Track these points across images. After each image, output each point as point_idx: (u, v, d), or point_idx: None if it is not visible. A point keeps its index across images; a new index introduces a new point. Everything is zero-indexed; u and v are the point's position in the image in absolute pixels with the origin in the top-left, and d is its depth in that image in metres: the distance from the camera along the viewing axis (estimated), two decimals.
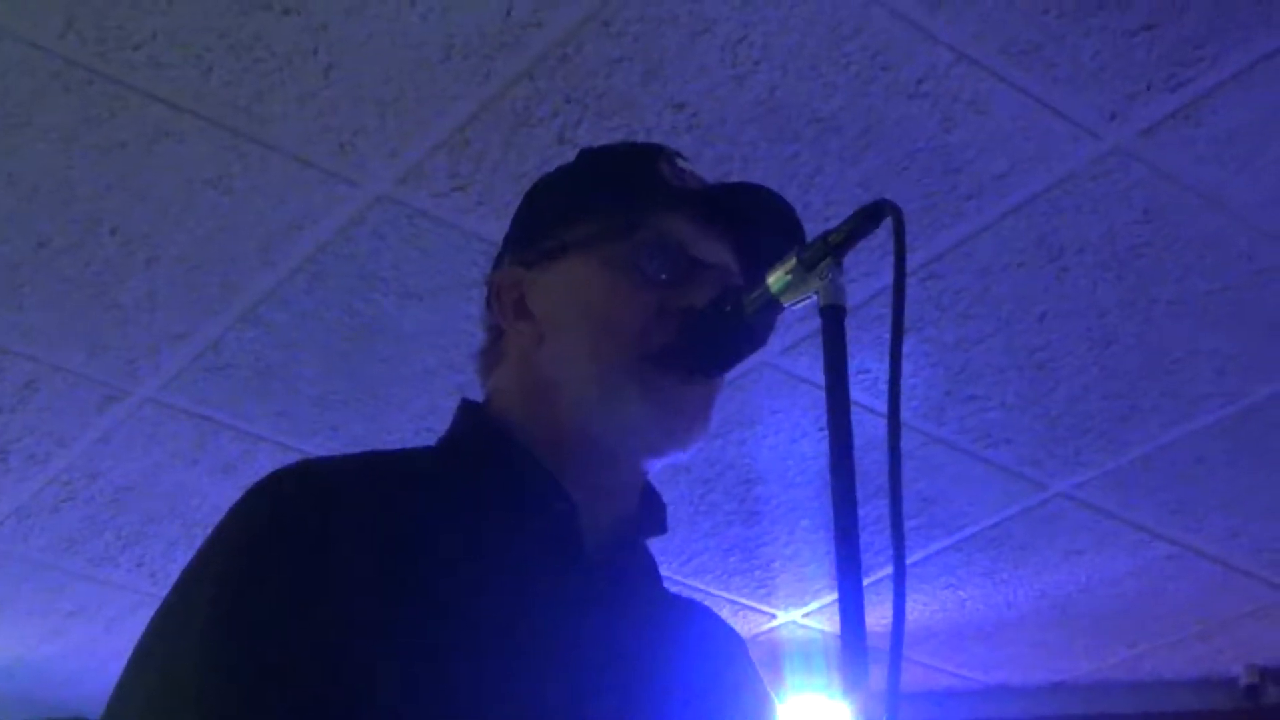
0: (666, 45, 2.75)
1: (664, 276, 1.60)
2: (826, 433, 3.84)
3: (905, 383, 3.59)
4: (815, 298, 1.51)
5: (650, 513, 1.66)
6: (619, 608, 1.58)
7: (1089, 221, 3.13)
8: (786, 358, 3.51)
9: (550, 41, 2.74)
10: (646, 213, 1.63)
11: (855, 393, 3.56)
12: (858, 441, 3.96)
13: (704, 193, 1.68)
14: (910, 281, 3.28)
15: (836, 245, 1.50)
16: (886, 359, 3.49)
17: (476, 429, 1.64)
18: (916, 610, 4.53)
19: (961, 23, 2.70)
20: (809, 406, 3.68)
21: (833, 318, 1.49)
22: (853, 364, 3.52)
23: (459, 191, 3.05)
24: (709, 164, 2.95)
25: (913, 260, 3.22)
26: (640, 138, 2.90)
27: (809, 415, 3.71)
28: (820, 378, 3.52)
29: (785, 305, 1.54)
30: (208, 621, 1.39)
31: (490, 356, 1.69)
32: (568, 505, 1.57)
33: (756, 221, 1.66)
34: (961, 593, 4.47)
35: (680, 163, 1.71)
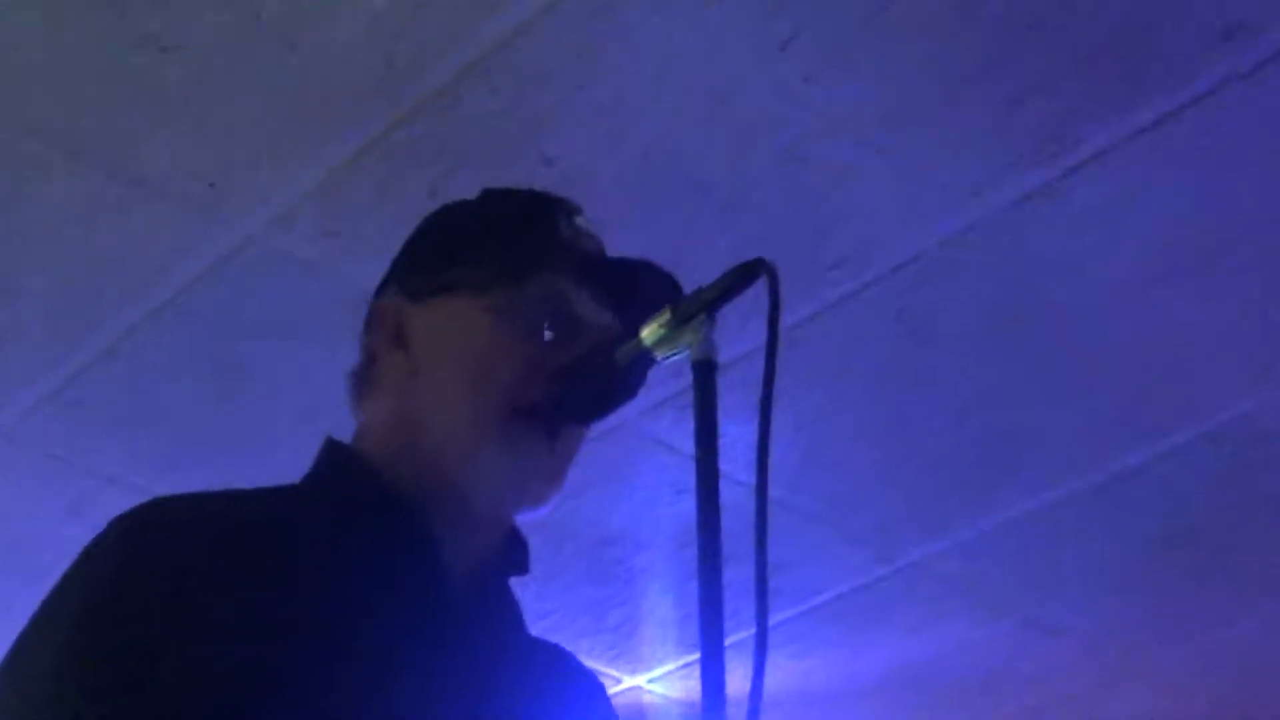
0: (543, 101, 2.78)
1: (547, 333, 1.62)
2: (682, 496, 3.90)
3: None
4: (687, 352, 1.54)
5: (511, 553, 1.67)
6: (481, 645, 1.58)
7: (952, 292, 3.19)
8: (646, 419, 3.53)
9: (430, 91, 2.76)
10: (539, 267, 1.64)
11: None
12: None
13: (597, 260, 1.70)
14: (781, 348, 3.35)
15: (710, 301, 1.53)
16: (745, 424, 3.53)
17: (341, 465, 1.64)
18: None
19: (838, 93, 2.76)
20: (666, 469, 3.70)
21: (704, 372, 1.52)
22: (719, 425, 3.57)
23: (328, 238, 3.05)
24: None
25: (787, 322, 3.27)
26: None
27: (665, 477, 3.73)
28: (679, 442, 3.58)
29: (658, 358, 1.57)
30: (60, 666, 1.36)
31: (362, 380, 1.68)
32: (430, 541, 1.57)
33: (644, 295, 1.65)
34: (808, 662, 4.50)
35: (579, 220, 1.73)
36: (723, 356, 3.43)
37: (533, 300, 1.62)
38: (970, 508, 3.83)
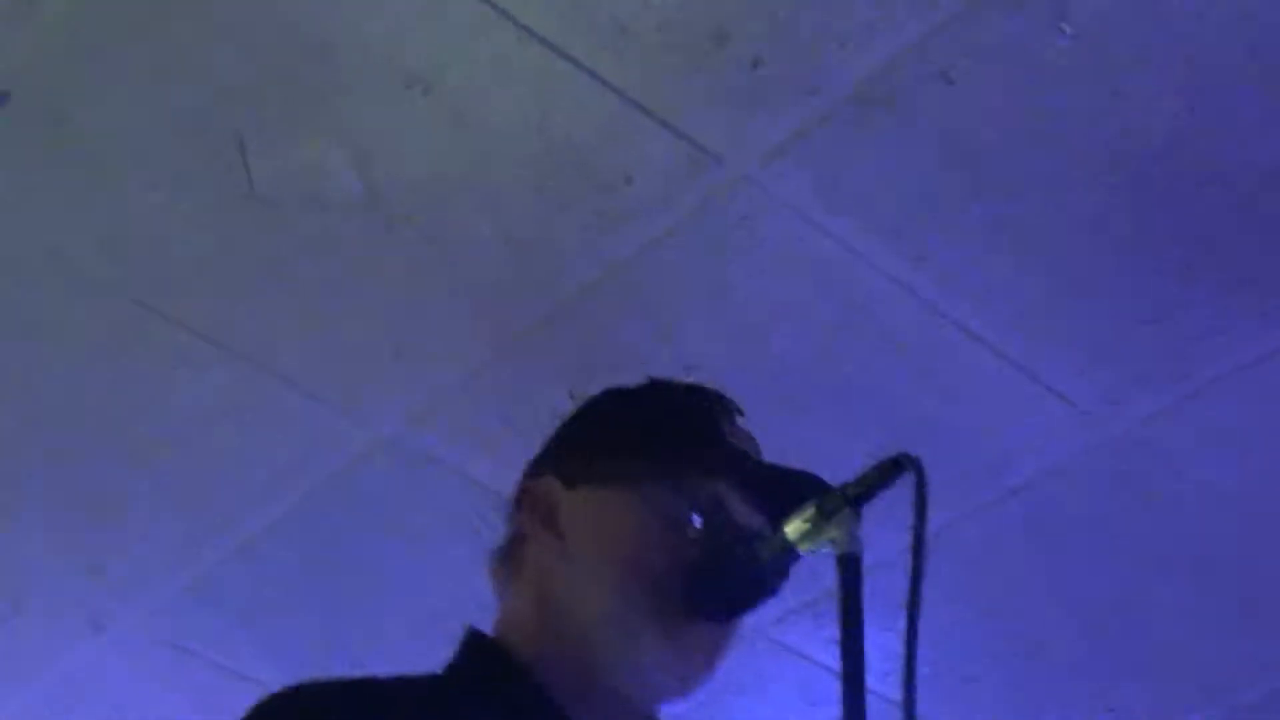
0: (681, 307, 2.83)
1: (697, 522, 1.62)
2: (815, 707, 3.85)
3: (895, 660, 3.58)
4: (831, 548, 1.55)
5: None
6: None
7: (1082, 505, 3.17)
8: (777, 628, 3.52)
9: (567, 296, 2.82)
10: (699, 468, 1.65)
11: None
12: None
13: (755, 466, 1.71)
14: (905, 556, 3.33)
15: (855, 496, 1.55)
16: (882, 633, 3.50)
17: (482, 655, 1.64)
18: None
19: (969, 302, 2.78)
20: (798, 678, 3.67)
21: (850, 567, 1.53)
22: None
23: (465, 435, 3.10)
24: None
25: (904, 537, 3.25)
26: None
27: (798, 688, 3.70)
28: (812, 650, 3.55)
29: (801, 553, 1.58)
30: None
31: (506, 560, 1.70)
32: None
33: (797, 503, 1.66)
34: None
35: (740, 421, 1.76)
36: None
37: (692, 501, 1.63)
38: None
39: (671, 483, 1.64)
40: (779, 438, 3.00)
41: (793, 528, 1.56)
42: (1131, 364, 2.88)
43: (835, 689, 3.76)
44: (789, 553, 1.58)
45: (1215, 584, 3.33)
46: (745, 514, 1.66)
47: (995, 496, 3.16)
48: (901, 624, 3.56)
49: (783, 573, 1.64)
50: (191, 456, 3.18)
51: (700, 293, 2.80)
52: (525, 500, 1.70)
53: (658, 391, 1.82)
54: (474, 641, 1.67)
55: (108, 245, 2.78)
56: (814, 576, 3.43)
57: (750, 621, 3.52)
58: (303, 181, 2.65)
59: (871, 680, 3.61)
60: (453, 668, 1.65)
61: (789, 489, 1.67)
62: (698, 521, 1.63)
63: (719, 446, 1.70)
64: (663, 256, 2.74)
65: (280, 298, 2.86)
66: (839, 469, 3.07)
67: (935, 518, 3.11)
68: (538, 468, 1.74)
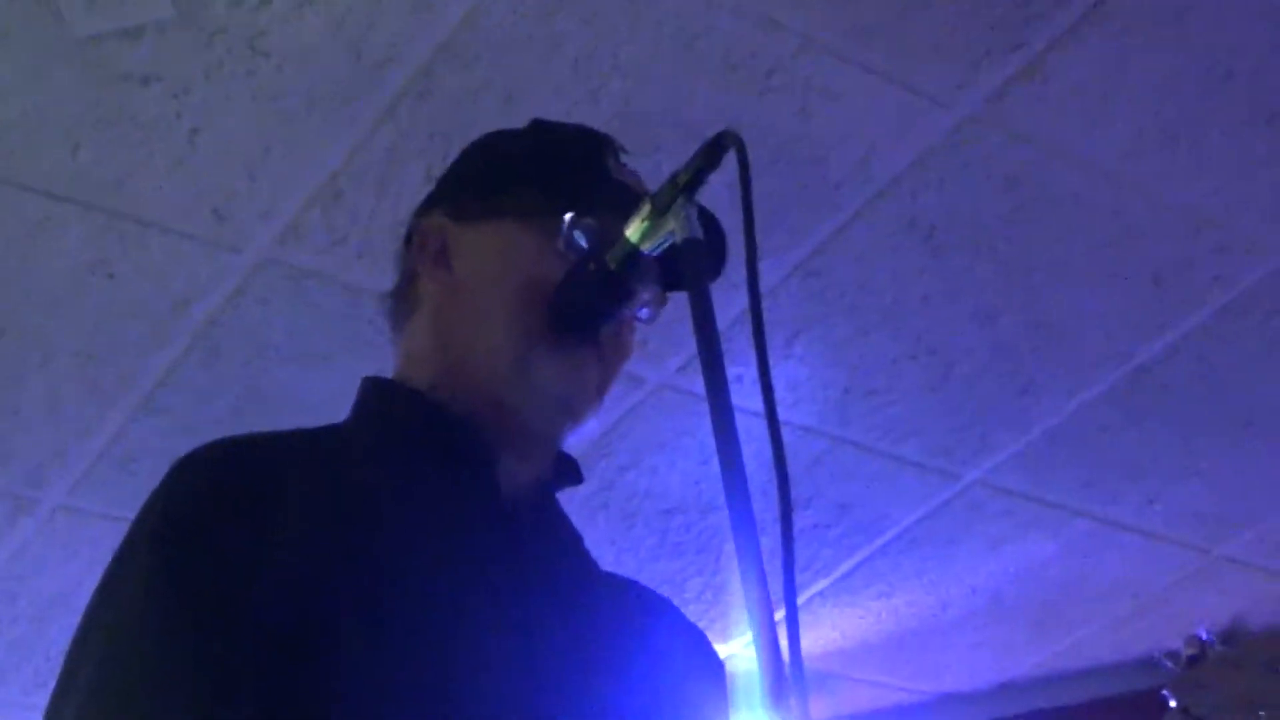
0: (519, 68, 2.82)
1: (587, 259, 1.63)
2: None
3: (802, 388, 3.64)
4: (673, 238, 1.56)
5: (562, 469, 1.70)
6: (543, 559, 1.61)
7: (955, 195, 3.20)
8: (684, 376, 3.56)
9: (405, 79, 2.80)
10: (589, 198, 1.67)
11: (755, 401, 3.62)
12: (765, 452, 3.97)
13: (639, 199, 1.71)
14: (790, 281, 3.37)
15: (686, 183, 1.56)
16: (782, 365, 3.55)
17: (386, 395, 1.67)
18: (853, 624, 4.56)
19: (802, 9, 2.78)
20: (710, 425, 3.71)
21: (692, 249, 1.53)
22: (748, 371, 3.58)
23: (338, 245, 3.09)
24: None
25: (790, 258, 3.30)
26: None
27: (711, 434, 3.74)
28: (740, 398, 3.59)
29: (646, 251, 1.58)
30: (147, 591, 1.42)
31: (401, 300, 1.72)
32: (486, 458, 1.60)
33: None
34: (895, 600, 4.50)
35: (623, 157, 1.78)
36: (746, 298, 3.46)
37: (583, 229, 1.65)
38: (1018, 415, 3.82)
39: (560, 212, 1.65)
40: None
41: (633, 229, 1.57)
42: (967, 46, 2.89)
43: (751, 428, 3.85)
44: (635, 254, 1.58)
45: (1099, 249, 3.38)
46: None
47: (870, 196, 3.18)
48: (798, 348, 3.64)
49: (637, 278, 1.65)
50: (71, 321, 3.17)
51: (533, 51, 2.78)
52: (416, 238, 1.71)
53: (542, 129, 1.83)
54: (374, 386, 1.69)
55: None
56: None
57: (653, 377, 3.60)
58: (116, 10, 2.60)
59: (782, 410, 3.70)
60: (358, 412, 1.67)
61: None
62: (586, 250, 1.64)
63: (607, 181, 1.72)
64: (488, 22, 2.72)
65: (123, 139, 2.83)
66: (710, 205, 3.11)
67: (822, 226, 3.19)
68: (428, 206, 1.76)
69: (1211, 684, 1.74)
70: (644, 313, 1.69)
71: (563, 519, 1.71)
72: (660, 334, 3.41)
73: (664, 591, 4.27)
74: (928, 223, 3.26)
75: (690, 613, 4.30)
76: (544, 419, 1.64)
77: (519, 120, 2.86)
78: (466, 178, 1.77)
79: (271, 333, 3.26)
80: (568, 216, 1.65)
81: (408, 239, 1.74)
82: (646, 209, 1.55)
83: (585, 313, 1.63)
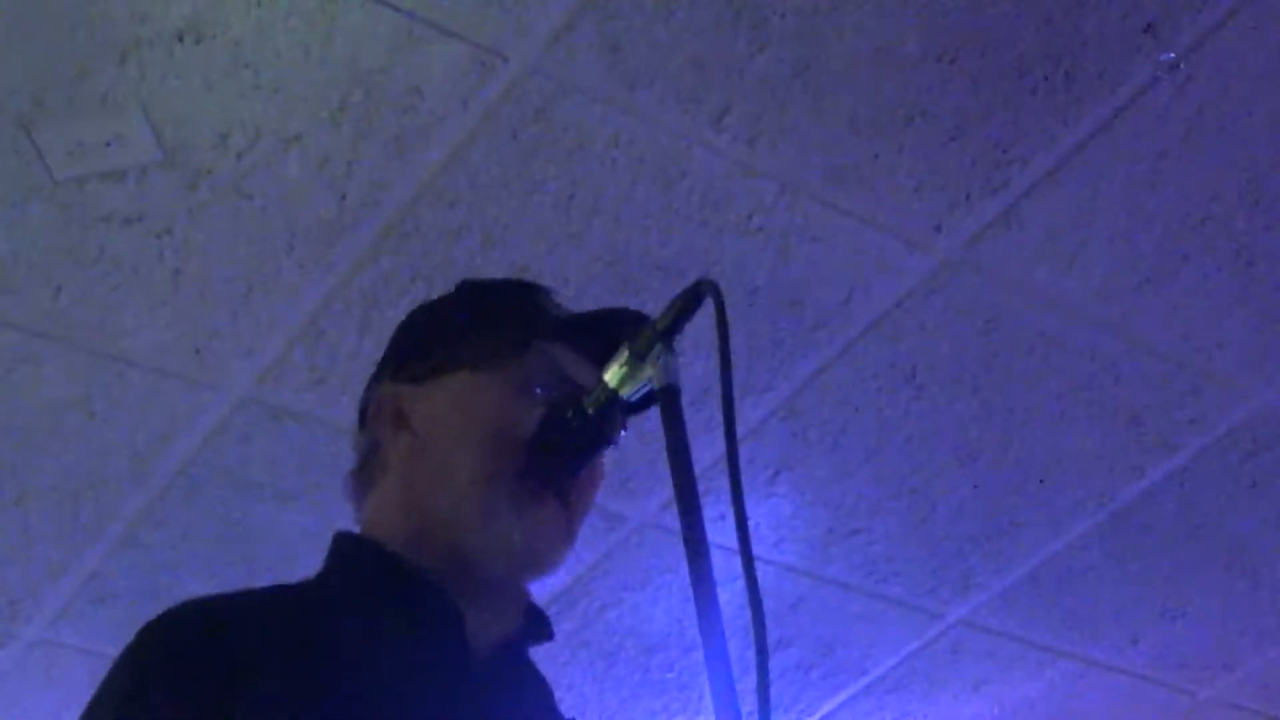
0: (501, 209, 2.84)
1: (543, 396, 1.64)
2: (720, 586, 3.86)
3: (786, 525, 3.64)
4: (651, 385, 1.57)
5: (532, 624, 1.68)
6: (513, 715, 1.60)
7: (934, 337, 3.22)
8: (666, 514, 3.55)
9: (388, 221, 2.82)
10: (535, 337, 1.68)
11: (731, 540, 3.62)
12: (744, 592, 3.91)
13: (580, 319, 1.73)
14: (772, 420, 3.38)
15: (664, 330, 1.57)
16: (765, 503, 3.55)
17: (356, 551, 1.66)
18: None
19: (780, 153, 2.81)
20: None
21: (670, 397, 1.54)
22: (731, 510, 3.57)
23: (320, 385, 3.10)
24: None
25: (772, 398, 3.31)
26: None
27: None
28: (719, 536, 3.58)
29: (625, 397, 1.59)
30: None
31: (364, 475, 1.71)
32: (454, 615, 1.58)
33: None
34: None
35: (555, 297, 1.78)
36: (721, 442, 3.46)
37: (536, 369, 1.65)
38: (1000, 554, 3.82)
39: (517, 356, 1.66)
40: None
41: (611, 374, 1.58)
42: (946, 188, 2.92)
43: (734, 566, 3.83)
44: (614, 400, 1.59)
45: (1077, 389, 3.39)
46: (578, 368, 1.68)
47: (850, 339, 3.20)
48: (781, 487, 3.65)
49: (613, 423, 1.65)
50: (49, 457, 3.17)
51: (515, 193, 2.81)
52: (371, 412, 1.71)
53: (473, 287, 1.84)
54: (344, 542, 1.68)
55: None
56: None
57: (635, 516, 3.59)
58: (99, 157, 2.63)
59: (762, 549, 3.71)
60: (328, 568, 1.66)
61: (609, 326, 1.69)
62: (549, 391, 1.65)
63: (545, 315, 1.73)
64: (470, 163, 2.75)
65: (104, 278, 2.84)
66: (692, 346, 3.12)
67: (802, 367, 3.20)
68: (376, 380, 1.76)
69: None
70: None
71: (533, 674, 1.69)
72: (643, 473, 3.42)
73: None
74: (909, 364, 3.28)
75: None
76: (510, 569, 1.63)
77: (501, 261, 2.92)
78: (410, 344, 1.77)
79: (251, 470, 3.26)
80: (532, 348, 1.66)
81: (361, 417, 1.74)
82: (625, 355, 1.56)
83: (566, 458, 1.63)
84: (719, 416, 3.04)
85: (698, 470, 3.24)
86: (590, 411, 1.60)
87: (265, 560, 3.48)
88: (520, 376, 1.65)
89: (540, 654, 4.16)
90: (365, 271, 2.90)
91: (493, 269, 2.92)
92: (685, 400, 1.52)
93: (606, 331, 1.69)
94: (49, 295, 2.85)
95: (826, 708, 4.27)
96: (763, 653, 1.53)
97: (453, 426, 1.64)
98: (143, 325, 2.94)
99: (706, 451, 3.32)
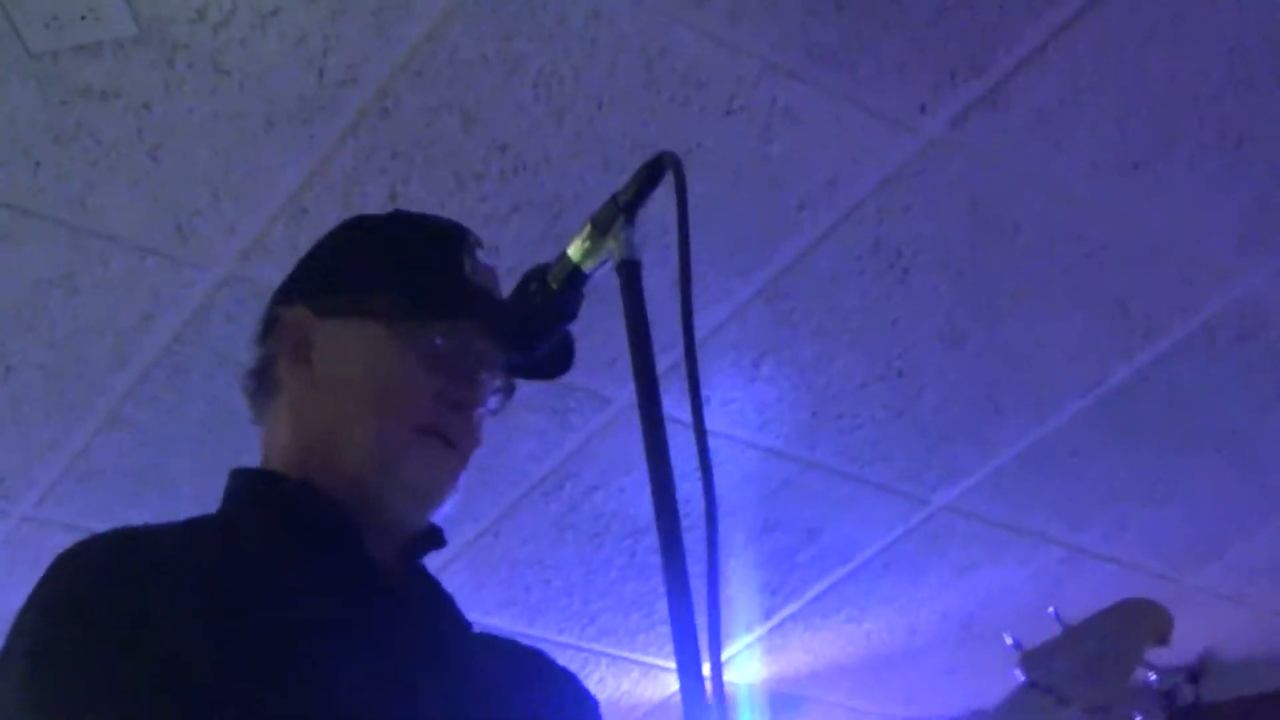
0: (480, 87, 2.82)
1: (449, 365, 1.66)
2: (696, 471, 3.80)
3: (770, 410, 3.64)
4: (611, 259, 1.58)
5: (425, 536, 1.70)
6: (420, 627, 1.64)
7: (920, 219, 3.21)
8: None
9: (366, 98, 2.81)
10: (446, 304, 1.68)
11: (724, 424, 3.62)
12: (734, 474, 3.98)
13: (496, 306, 1.73)
14: (757, 302, 3.37)
15: (626, 204, 1.58)
16: (744, 388, 3.55)
17: (255, 483, 1.68)
18: (824, 648, 4.55)
19: (763, 32, 2.79)
20: (682, 445, 3.70)
21: (629, 272, 1.56)
22: (716, 394, 3.58)
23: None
24: (539, 205, 3.02)
25: (755, 280, 3.30)
26: (469, 186, 2.98)
27: (683, 454, 3.73)
28: (688, 414, 3.59)
29: (587, 271, 1.61)
30: (19, 695, 1.41)
31: (261, 382, 1.73)
32: (355, 533, 1.61)
33: (537, 346, 1.71)
34: (865, 624, 4.50)
35: (480, 255, 1.77)
36: (718, 315, 3.46)
37: (441, 336, 1.66)
38: (986, 439, 3.82)
39: (421, 321, 1.67)
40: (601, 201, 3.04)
41: (574, 248, 1.60)
42: (931, 67, 2.90)
43: (718, 449, 3.81)
44: (576, 274, 1.61)
45: (1064, 274, 3.38)
46: (488, 352, 1.69)
47: (834, 220, 3.19)
48: (765, 370, 3.65)
49: (575, 299, 1.67)
50: (35, 334, 3.17)
51: (495, 71, 2.79)
52: (274, 327, 1.72)
53: (402, 223, 1.83)
54: (242, 476, 1.70)
55: None
56: (668, 344, 3.48)
57: (621, 398, 3.58)
58: (74, 29, 2.61)
59: (750, 432, 3.71)
60: (227, 503, 1.68)
61: (523, 325, 1.70)
62: (450, 359, 1.66)
63: (463, 285, 1.72)
64: (449, 40, 2.73)
65: (83, 154, 2.83)
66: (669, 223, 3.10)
67: (785, 249, 3.19)
68: (287, 294, 1.76)
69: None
70: (492, 402, 1.71)
71: (432, 584, 1.72)
72: (624, 357, 3.41)
73: (633, 615, 4.29)
74: (894, 246, 3.27)
75: (657, 634, 4.32)
76: (406, 510, 1.66)
77: (480, 141, 2.91)
78: (328, 271, 1.76)
79: (235, 349, 3.25)
80: (452, 323, 1.67)
81: (267, 324, 1.74)
82: (587, 229, 1.58)
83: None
84: (706, 296, 3.05)
85: (677, 356, 3.24)
86: (554, 286, 1.62)
87: (251, 439, 3.48)
88: (432, 351, 1.66)
89: (529, 535, 4.18)
90: (345, 149, 2.89)
91: (472, 148, 2.92)
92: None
93: (519, 326, 1.69)
94: (28, 171, 2.84)
95: (812, 592, 4.30)
96: (714, 543, 1.56)
97: (353, 380, 1.65)
98: (123, 202, 2.93)
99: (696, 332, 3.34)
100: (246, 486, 1.68)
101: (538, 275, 1.64)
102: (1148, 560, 4.37)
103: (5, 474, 3.50)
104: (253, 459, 3.51)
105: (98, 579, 1.47)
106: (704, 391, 3.53)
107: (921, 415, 3.73)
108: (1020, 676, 1.85)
